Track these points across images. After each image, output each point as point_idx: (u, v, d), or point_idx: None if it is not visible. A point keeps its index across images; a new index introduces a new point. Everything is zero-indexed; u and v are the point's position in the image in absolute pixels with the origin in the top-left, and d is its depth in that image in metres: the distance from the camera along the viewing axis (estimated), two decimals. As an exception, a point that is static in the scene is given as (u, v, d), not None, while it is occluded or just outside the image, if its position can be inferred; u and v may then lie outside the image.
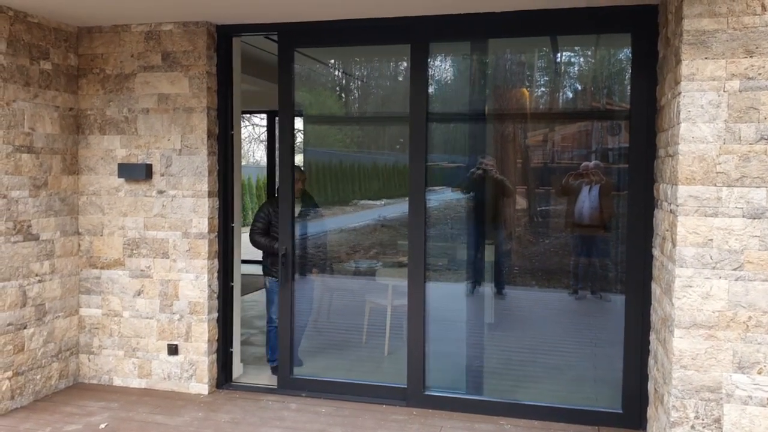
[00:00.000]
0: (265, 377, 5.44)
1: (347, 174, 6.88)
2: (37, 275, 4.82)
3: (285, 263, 5.03)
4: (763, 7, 3.29)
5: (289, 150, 5.07)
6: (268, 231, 5.41)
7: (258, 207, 5.69)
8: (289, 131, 5.06)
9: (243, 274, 5.77)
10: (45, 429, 4.35)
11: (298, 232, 5.23)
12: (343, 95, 6.26)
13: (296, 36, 4.95)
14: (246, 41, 6.14)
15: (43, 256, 4.88)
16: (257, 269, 11.46)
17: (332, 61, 6.28)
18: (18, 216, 4.64)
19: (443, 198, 5.16)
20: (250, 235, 5.50)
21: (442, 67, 5.23)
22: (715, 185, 3.38)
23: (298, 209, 5.30)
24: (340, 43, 5.09)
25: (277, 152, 5.11)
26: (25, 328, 4.73)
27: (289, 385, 5.09)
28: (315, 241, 5.88)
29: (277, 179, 22.89)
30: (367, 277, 6.62)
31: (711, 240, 3.39)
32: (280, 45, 4.99)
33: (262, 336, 6.82)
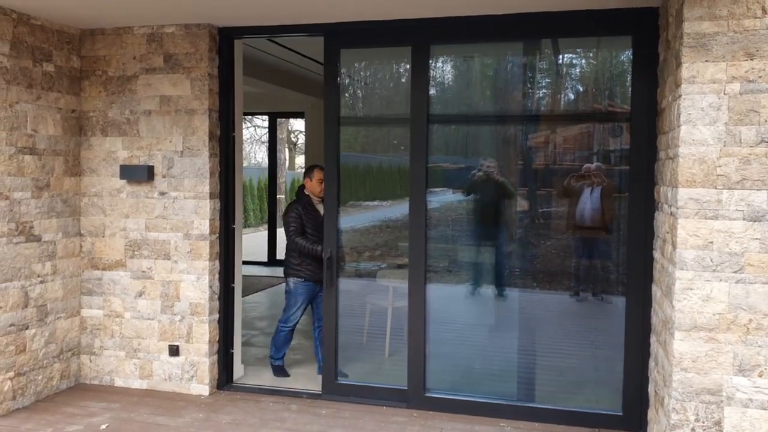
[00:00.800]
0: (266, 378, 5.45)
1: (350, 175, 6.88)
2: (39, 276, 4.84)
3: (330, 267, 4.94)
4: (764, 10, 3.29)
5: (335, 153, 4.94)
6: (303, 231, 5.36)
7: (287, 208, 5.56)
8: (334, 135, 4.93)
9: (244, 276, 5.78)
10: (46, 429, 4.36)
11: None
12: (346, 96, 6.26)
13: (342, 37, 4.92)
14: (248, 43, 6.16)
15: (45, 257, 4.89)
16: (258, 270, 11.50)
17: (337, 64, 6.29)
18: (20, 217, 4.66)
19: (444, 200, 5.16)
20: (289, 238, 5.37)
21: (443, 69, 5.24)
22: (716, 188, 3.38)
23: (321, 210, 5.32)
24: (341, 46, 5.09)
25: (323, 155, 4.94)
26: (26, 328, 4.74)
27: (335, 390, 5.00)
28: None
29: (280, 181, 22.70)
30: (368, 279, 6.63)
31: (711, 242, 3.40)
32: (326, 47, 4.93)
33: (264, 337, 6.83)
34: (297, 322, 5.55)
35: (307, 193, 5.48)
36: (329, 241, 4.96)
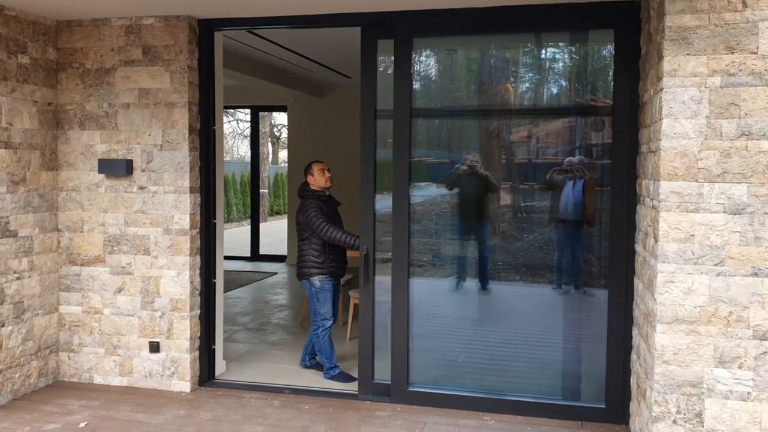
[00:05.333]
0: (249, 374, 5.41)
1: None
2: (15, 272, 4.75)
3: (366, 263, 4.82)
4: (744, 3, 3.31)
5: (372, 147, 4.80)
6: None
7: (302, 206, 5.30)
8: (370, 130, 4.79)
9: (226, 271, 5.73)
10: (24, 428, 4.28)
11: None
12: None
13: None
14: (228, 35, 6.08)
15: (22, 253, 4.81)
16: (241, 266, 11.42)
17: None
18: (-5, 212, 4.57)
19: (428, 194, 5.15)
20: (325, 233, 5.14)
21: (426, 63, 5.21)
22: (697, 181, 3.40)
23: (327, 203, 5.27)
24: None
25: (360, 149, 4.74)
26: (2, 326, 4.66)
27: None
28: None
29: (263, 175, 22.57)
30: (352, 273, 6.59)
31: (693, 235, 3.41)
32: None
33: (246, 333, 6.78)
34: (335, 321, 5.37)
35: (313, 188, 5.34)
36: (366, 237, 4.82)
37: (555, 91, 5.14)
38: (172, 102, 4.89)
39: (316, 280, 5.26)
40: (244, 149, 31.21)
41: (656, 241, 3.51)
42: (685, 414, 3.46)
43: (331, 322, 5.31)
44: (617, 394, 4.42)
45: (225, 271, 5.55)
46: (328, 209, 5.32)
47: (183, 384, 5.00)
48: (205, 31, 5.00)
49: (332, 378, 5.25)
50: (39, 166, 4.96)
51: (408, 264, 4.77)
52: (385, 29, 4.68)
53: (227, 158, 27.29)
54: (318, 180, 5.31)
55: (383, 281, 4.87)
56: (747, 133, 3.33)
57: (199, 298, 5.08)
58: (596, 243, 4.80)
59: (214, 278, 5.22)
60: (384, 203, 4.87)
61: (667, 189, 3.43)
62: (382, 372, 4.88)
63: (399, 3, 4.42)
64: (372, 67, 4.75)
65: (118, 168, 4.97)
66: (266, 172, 23.39)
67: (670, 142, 3.42)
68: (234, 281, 9.51)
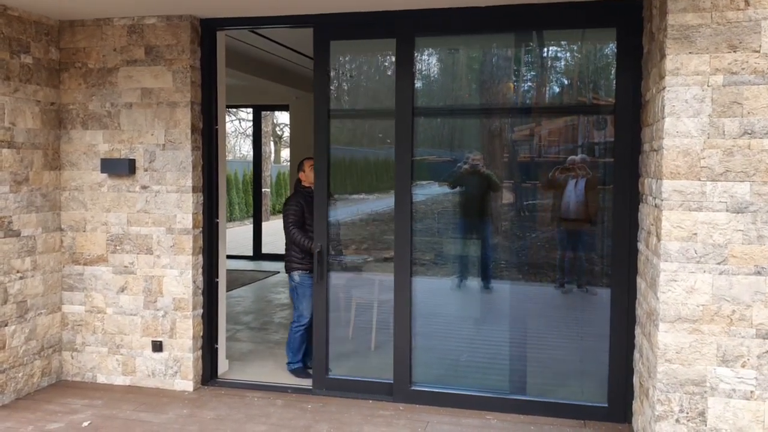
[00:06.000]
0: (251, 373, 5.41)
1: (338, 168, 6.83)
2: (18, 272, 4.76)
3: (320, 261, 4.90)
4: (746, 2, 3.30)
5: (325, 144, 4.90)
6: (303, 224, 5.29)
7: (287, 200, 5.48)
8: (324, 126, 4.89)
9: (228, 270, 5.74)
10: (27, 428, 4.30)
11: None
12: (331, 89, 6.22)
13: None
14: (231, 35, 6.08)
15: (25, 253, 4.82)
16: (243, 265, 11.43)
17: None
18: (-2, 212, 4.58)
19: (430, 193, 5.14)
20: (287, 228, 5.31)
21: (428, 62, 5.21)
22: (700, 179, 3.39)
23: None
24: (330, 38, 5.04)
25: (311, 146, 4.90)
26: (6, 325, 4.67)
27: (327, 385, 4.95)
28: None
29: (266, 174, 22.60)
30: (354, 272, 6.60)
31: (695, 234, 3.40)
32: (315, 39, 4.86)
33: (248, 332, 6.79)
34: (311, 319, 5.36)
35: (304, 185, 5.40)
36: (320, 235, 4.92)
37: (557, 89, 5.14)
38: (174, 101, 4.90)
39: (296, 275, 5.37)
40: (246, 148, 31.24)
41: (659, 239, 3.50)
42: (688, 413, 3.46)
43: (306, 321, 5.35)
44: (620, 393, 4.42)
45: (227, 270, 5.56)
46: (311, 209, 5.34)
47: (186, 383, 5.01)
48: (207, 30, 5.00)
49: (292, 372, 5.39)
50: (42, 166, 4.96)
51: (410, 263, 4.77)
52: (388, 29, 4.68)
53: (229, 157, 27.34)
54: (309, 176, 5.35)
55: (385, 280, 4.87)
56: (750, 131, 3.32)
57: (201, 298, 5.09)
58: (599, 242, 4.80)
59: (217, 277, 5.23)
60: (383, 202, 4.88)
61: (669, 187, 3.43)
62: (386, 371, 4.88)
63: (401, 2, 4.41)
64: (324, 68, 4.85)
65: (120, 167, 4.97)
66: (268, 171, 23.38)
67: (673, 141, 3.42)
68: (236, 280, 9.51)
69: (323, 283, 4.94)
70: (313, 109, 4.91)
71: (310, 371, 5.18)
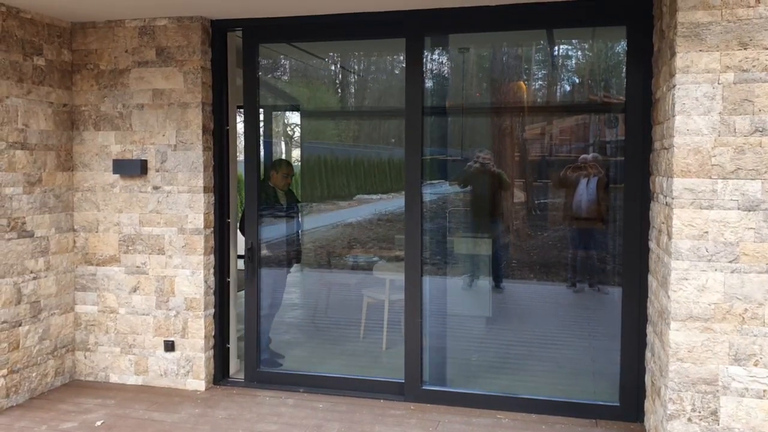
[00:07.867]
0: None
1: (345, 168, 6.85)
2: (32, 272, 4.81)
3: (251, 257, 5.06)
4: (758, -2, 3.27)
5: (255, 144, 5.15)
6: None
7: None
8: (254, 125, 5.14)
9: (239, 270, 5.75)
10: (41, 427, 4.34)
11: (283, 227, 5.34)
12: (339, 90, 6.21)
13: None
14: (241, 36, 6.10)
15: (38, 253, 4.87)
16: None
17: (331, 54, 6.24)
18: (12, 213, 4.63)
19: (440, 191, 5.14)
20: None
21: (438, 61, 5.21)
22: (711, 178, 3.37)
23: (284, 203, 5.45)
24: (336, 38, 5.06)
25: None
26: (20, 325, 4.72)
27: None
28: (306, 237, 5.87)
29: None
30: (365, 272, 6.61)
31: (706, 232, 3.38)
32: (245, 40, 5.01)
33: (260, 331, 6.80)
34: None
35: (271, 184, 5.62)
36: (250, 232, 5.11)
37: (568, 88, 5.12)
38: (185, 102, 4.93)
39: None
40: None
41: (670, 238, 3.48)
42: (700, 412, 3.44)
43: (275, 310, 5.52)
44: (632, 392, 4.40)
45: (238, 270, 5.58)
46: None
47: (198, 383, 5.04)
48: (217, 31, 5.03)
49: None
50: (55, 167, 5.01)
51: (421, 262, 4.77)
52: (398, 28, 4.69)
53: (240, 158, 27.33)
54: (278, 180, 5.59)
55: (396, 279, 4.88)
56: (761, 129, 3.30)
57: (213, 297, 5.12)
58: (610, 240, 4.78)
59: (228, 277, 5.25)
60: (395, 202, 4.88)
61: (680, 186, 3.41)
62: (393, 371, 4.89)
63: (411, 2, 4.41)
64: (253, 67, 5.03)
65: (132, 168, 5.01)
66: (280, 172, 23.37)
67: (683, 139, 3.40)
68: (248, 280, 9.51)
69: (254, 279, 5.12)
70: (243, 108, 5.14)
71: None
